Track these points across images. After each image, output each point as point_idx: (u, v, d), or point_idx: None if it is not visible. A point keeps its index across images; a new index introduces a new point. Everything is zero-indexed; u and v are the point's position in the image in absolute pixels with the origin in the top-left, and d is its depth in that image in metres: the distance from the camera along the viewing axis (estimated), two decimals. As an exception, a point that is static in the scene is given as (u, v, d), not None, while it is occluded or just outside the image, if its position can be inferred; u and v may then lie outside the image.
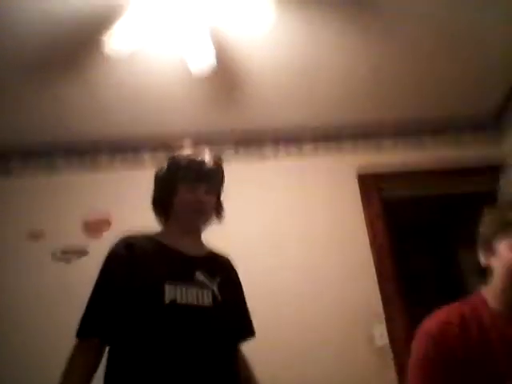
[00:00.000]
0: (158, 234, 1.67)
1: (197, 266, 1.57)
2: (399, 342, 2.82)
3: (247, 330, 1.71)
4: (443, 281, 4.74)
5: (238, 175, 3.34)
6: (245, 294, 1.74)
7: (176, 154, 1.71)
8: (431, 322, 1.34)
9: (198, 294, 1.48)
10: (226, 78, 2.88)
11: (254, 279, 2.90)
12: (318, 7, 2.49)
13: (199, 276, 1.54)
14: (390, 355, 2.84)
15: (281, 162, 3.39)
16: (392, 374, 2.77)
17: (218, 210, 1.75)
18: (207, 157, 1.68)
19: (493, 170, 3.32)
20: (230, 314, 1.56)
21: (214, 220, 1.75)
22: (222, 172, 1.76)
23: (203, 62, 2.47)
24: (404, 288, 3.23)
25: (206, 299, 1.49)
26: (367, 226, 3.16)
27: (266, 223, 3.15)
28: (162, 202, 1.68)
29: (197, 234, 1.71)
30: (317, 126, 3.36)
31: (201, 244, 1.73)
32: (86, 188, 3.24)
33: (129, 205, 3.18)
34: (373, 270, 3.07)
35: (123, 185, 3.26)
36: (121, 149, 3.36)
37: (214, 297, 1.51)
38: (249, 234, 3.09)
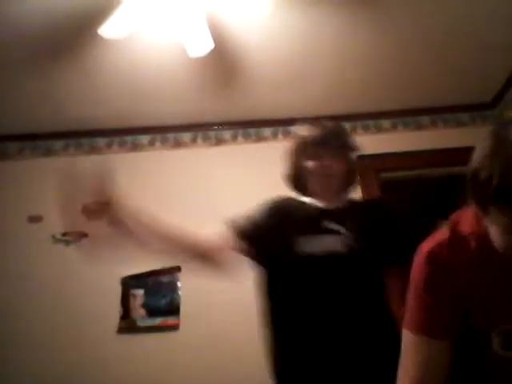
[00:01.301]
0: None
1: (328, 216, 1.64)
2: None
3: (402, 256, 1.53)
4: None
5: (237, 157, 3.36)
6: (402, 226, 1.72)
7: (298, 133, 1.84)
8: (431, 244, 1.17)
9: (327, 242, 1.54)
10: (223, 62, 2.87)
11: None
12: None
13: (330, 225, 1.60)
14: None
15: (278, 143, 3.39)
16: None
17: (348, 175, 1.79)
18: (326, 128, 1.77)
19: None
20: (367, 256, 1.56)
21: (350, 187, 1.83)
22: (345, 139, 1.81)
23: (201, 48, 2.46)
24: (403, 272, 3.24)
25: (337, 246, 1.54)
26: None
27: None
28: (294, 178, 1.83)
29: (335, 199, 1.75)
30: (314, 111, 3.36)
31: (341, 197, 1.79)
32: (85, 170, 3.24)
33: (127, 187, 3.19)
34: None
35: (122, 167, 3.27)
36: (119, 132, 3.37)
37: (348, 243, 1.55)
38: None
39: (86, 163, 3.27)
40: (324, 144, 1.72)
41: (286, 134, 3.42)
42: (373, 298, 1.52)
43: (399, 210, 1.83)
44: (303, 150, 1.77)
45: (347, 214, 1.68)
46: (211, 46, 2.47)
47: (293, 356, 1.49)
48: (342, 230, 1.57)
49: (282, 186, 3.20)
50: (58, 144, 3.34)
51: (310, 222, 1.63)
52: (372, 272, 1.55)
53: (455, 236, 1.14)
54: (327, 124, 1.81)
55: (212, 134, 3.42)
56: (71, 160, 3.29)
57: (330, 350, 1.44)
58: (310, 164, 1.74)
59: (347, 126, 3.38)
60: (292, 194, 1.87)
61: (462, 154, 3.67)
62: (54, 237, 3.01)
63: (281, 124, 3.42)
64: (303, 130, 1.82)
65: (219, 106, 3.28)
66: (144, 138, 3.39)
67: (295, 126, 1.86)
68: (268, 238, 1.62)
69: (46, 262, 2.95)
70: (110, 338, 2.78)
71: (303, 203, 1.77)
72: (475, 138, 3.55)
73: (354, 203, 1.81)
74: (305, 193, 1.81)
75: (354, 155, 1.83)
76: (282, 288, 1.58)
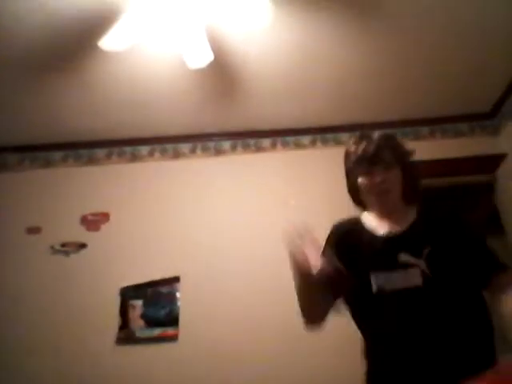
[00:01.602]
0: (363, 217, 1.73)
1: (399, 245, 1.54)
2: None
3: (490, 270, 1.53)
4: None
5: (236, 168, 3.36)
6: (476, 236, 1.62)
7: (347, 148, 1.73)
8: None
9: (404, 277, 1.47)
10: (223, 74, 2.88)
11: (258, 269, 2.94)
12: (316, 4, 2.49)
13: (403, 257, 1.50)
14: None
15: (278, 153, 3.40)
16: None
17: (408, 184, 1.67)
18: (373, 139, 1.66)
19: (490, 161, 3.33)
20: (445, 283, 1.47)
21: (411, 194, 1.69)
22: (395, 146, 1.70)
23: (200, 59, 2.47)
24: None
25: (414, 280, 1.46)
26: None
27: (263, 214, 3.15)
28: (353, 194, 1.74)
29: (399, 213, 1.65)
30: (314, 121, 3.38)
31: (405, 218, 1.65)
32: (84, 181, 3.25)
33: (127, 198, 3.20)
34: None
35: (121, 178, 3.28)
36: (118, 143, 3.38)
37: (424, 273, 1.46)
38: (249, 225, 3.11)
39: (85, 174, 3.29)
40: (373, 157, 1.61)
41: (285, 145, 3.43)
42: (460, 323, 1.45)
43: (471, 225, 1.67)
44: (353, 166, 1.67)
45: (418, 235, 1.56)
46: (211, 57, 2.48)
47: None
48: (418, 261, 1.48)
49: (282, 197, 3.23)
50: (57, 155, 3.34)
51: (383, 255, 1.54)
52: (455, 297, 1.48)
53: None
54: (373, 134, 1.69)
55: (211, 144, 3.42)
56: (70, 171, 3.30)
57: None
58: (362, 182, 1.64)
59: (346, 136, 3.40)
60: (351, 212, 1.78)
61: (461, 164, 3.70)
62: (52, 247, 3.01)
63: (280, 134, 3.43)
64: (351, 144, 1.71)
65: (218, 116, 3.29)
66: (143, 149, 3.39)
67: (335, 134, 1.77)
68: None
69: (44, 273, 2.94)
70: (108, 348, 2.76)
71: (367, 230, 1.66)
72: (474, 148, 3.58)
73: (425, 216, 1.65)
74: (367, 208, 1.72)
75: (409, 160, 1.72)
76: (365, 324, 1.55)
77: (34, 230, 3.06)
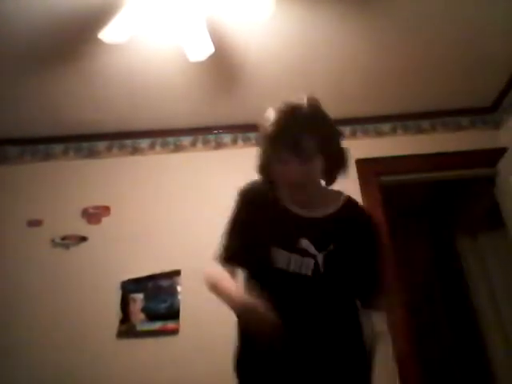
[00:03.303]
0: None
1: (305, 231, 1.50)
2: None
3: (368, 291, 1.57)
4: (440, 265, 4.77)
5: (236, 161, 3.36)
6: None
7: (265, 119, 1.59)
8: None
9: (296, 262, 1.47)
10: (223, 67, 2.87)
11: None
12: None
13: (304, 244, 1.49)
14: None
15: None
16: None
17: (331, 170, 1.56)
18: (293, 117, 1.51)
19: (491, 155, 3.33)
20: (333, 283, 1.49)
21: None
22: (320, 128, 1.50)
23: (201, 52, 2.46)
24: (402, 273, 3.25)
25: (305, 269, 1.47)
26: (365, 210, 3.16)
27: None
28: (263, 175, 1.63)
29: (317, 198, 1.58)
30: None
31: (323, 204, 1.58)
32: (85, 174, 3.25)
33: (128, 191, 3.20)
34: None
35: (122, 171, 3.28)
36: (119, 136, 3.37)
37: (316, 267, 1.47)
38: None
39: (86, 167, 3.29)
40: (292, 146, 1.45)
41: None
42: (339, 318, 1.49)
43: (378, 240, 1.63)
44: (269, 148, 1.54)
45: (329, 230, 1.53)
46: (211, 50, 2.47)
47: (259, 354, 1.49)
48: (316, 252, 1.48)
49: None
50: (58, 148, 3.34)
51: (287, 235, 1.51)
52: (339, 296, 1.52)
53: None
54: (298, 108, 1.51)
55: (212, 137, 3.41)
56: (71, 164, 3.30)
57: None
58: (275, 170, 1.52)
59: (347, 129, 3.40)
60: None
61: (461, 158, 3.70)
62: (53, 241, 3.01)
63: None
64: (271, 113, 1.56)
65: (219, 109, 3.28)
66: (144, 142, 3.38)
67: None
68: (248, 245, 1.56)
69: (45, 266, 2.94)
70: (109, 342, 2.77)
71: (279, 202, 1.58)
72: (475, 141, 3.57)
73: (344, 212, 1.58)
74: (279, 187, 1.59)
75: (335, 144, 1.56)
76: (259, 289, 1.52)
77: (34, 223, 3.05)
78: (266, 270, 1.50)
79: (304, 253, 1.48)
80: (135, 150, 3.37)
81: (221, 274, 1.57)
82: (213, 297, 2.89)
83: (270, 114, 1.55)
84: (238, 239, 1.60)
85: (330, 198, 1.61)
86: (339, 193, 1.65)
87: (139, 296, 2.88)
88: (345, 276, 1.51)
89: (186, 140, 3.40)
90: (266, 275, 1.51)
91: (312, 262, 1.47)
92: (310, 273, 1.46)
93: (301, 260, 1.47)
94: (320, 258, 1.48)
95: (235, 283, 1.54)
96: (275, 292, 1.42)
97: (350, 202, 1.63)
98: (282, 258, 1.47)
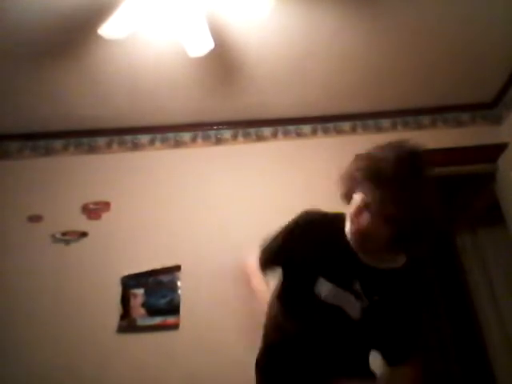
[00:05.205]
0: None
1: (361, 274, 1.48)
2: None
3: (392, 355, 1.54)
4: (440, 262, 4.77)
5: (236, 157, 3.36)
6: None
7: (371, 152, 1.52)
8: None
9: (347, 301, 1.48)
10: (223, 62, 2.87)
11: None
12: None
13: (357, 286, 1.47)
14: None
15: (279, 143, 3.39)
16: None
17: (396, 246, 1.43)
18: (400, 179, 1.41)
19: (491, 151, 3.33)
20: (368, 332, 1.51)
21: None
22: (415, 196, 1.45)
23: (201, 47, 2.46)
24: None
25: (352, 310, 1.47)
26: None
27: (264, 203, 3.15)
28: (344, 199, 1.51)
29: (374, 258, 1.51)
30: (315, 110, 3.37)
31: (381, 256, 1.51)
32: (85, 170, 3.25)
33: (128, 186, 3.20)
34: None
35: (122, 167, 3.28)
36: (119, 132, 3.37)
37: (362, 312, 1.47)
38: (249, 214, 3.11)
39: (86, 163, 3.29)
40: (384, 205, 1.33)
41: (286, 134, 3.42)
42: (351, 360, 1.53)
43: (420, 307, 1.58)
44: (361, 182, 1.42)
45: (379, 281, 1.49)
46: (211, 45, 2.47)
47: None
48: (365, 299, 1.46)
49: (281, 186, 3.23)
50: (58, 144, 3.34)
51: (342, 273, 1.48)
52: (363, 343, 1.55)
53: None
54: (412, 159, 1.42)
55: (212, 133, 3.41)
56: (71, 159, 3.30)
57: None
58: (354, 205, 1.42)
59: (347, 125, 3.40)
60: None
61: (462, 154, 3.70)
62: (53, 236, 3.02)
63: (281, 124, 3.42)
64: (379, 151, 1.48)
65: (219, 105, 3.28)
66: (144, 138, 3.38)
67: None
68: (296, 259, 1.57)
69: (45, 262, 2.95)
70: (109, 337, 2.78)
71: (342, 235, 1.51)
72: (476, 137, 3.57)
73: (396, 270, 1.52)
74: None
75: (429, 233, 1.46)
76: (289, 309, 1.58)
77: (35, 219, 3.06)
78: (302, 291, 1.53)
79: (354, 294, 1.48)
80: (135, 146, 3.37)
81: (254, 268, 1.70)
82: (212, 292, 2.91)
83: (387, 152, 1.44)
84: (280, 247, 1.66)
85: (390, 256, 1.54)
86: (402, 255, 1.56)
87: (139, 291, 2.88)
88: (379, 328, 1.52)
89: (186, 136, 3.40)
90: (301, 296, 1.55)
91: (359, 307, 1.47)
92: (357, 316, 1.47)
93: (351, 298, 1.48)
94: (366, 304, 1.48)
95: (264, 284, 1.66)
96: (303, 314, 1.51)
97: (410, 264, 1.57)
98: (326, 289, 1.49)
